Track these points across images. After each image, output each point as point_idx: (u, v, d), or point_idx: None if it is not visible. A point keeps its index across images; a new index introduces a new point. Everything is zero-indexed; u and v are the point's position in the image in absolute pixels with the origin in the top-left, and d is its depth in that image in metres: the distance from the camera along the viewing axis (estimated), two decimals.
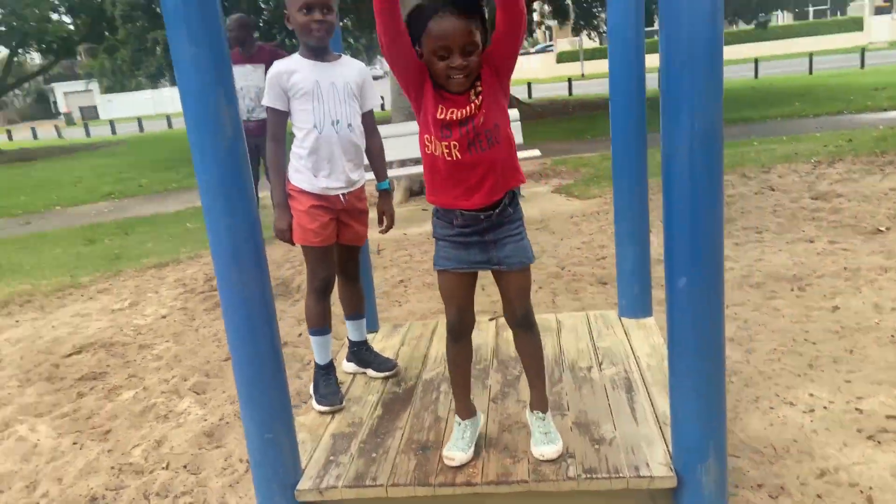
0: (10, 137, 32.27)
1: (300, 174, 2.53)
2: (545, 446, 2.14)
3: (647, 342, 2.94)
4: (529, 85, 25.73)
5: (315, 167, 2.50)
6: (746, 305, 4.05)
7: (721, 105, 1.74)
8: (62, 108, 47.29)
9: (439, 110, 1.96)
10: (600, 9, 20.97)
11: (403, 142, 7.04)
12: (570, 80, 25.16)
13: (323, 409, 2.61)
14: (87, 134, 30.05)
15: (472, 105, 1.95)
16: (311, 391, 2.72)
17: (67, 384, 4.01)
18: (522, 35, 1.91)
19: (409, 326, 3.46)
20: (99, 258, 7.09)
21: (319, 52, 2.50)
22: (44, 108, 53.37)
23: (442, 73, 1.92)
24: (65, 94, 48.56)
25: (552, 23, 30.54)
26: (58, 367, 4.30)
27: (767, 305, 4.02)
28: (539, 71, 37.61)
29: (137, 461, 3.06)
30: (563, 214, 6.71)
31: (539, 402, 2.24)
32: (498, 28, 1.89)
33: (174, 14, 1.74)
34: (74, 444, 3.29)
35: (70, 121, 41.69)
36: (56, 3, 23.39)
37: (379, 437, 2.39)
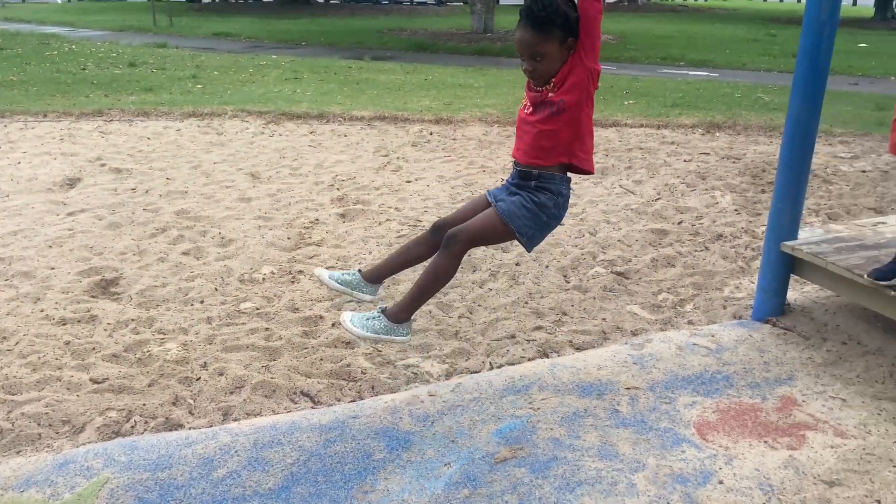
0: None
1: None
2: (348, 314, 2.44)
3: None
4: None
5: None
6: None
7: None
8: None
9: (525, 94, 2.44)
10: None
11: None
12: None
13: None
14: None
15: (546, 90, 2.32)
16: None
17: None
18: (597, 35, 2.25)
19: None
20: None
21: None
22: None
23: (521, 68, 2.39)
24: None
25: None
26: None
27: None
28: None
29: None
30: None
31: (392, 311, 2.45)
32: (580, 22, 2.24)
33: None
34: None
35: None
36: None
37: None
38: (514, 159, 2.49)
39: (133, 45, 15.68)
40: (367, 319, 2.44)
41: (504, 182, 2.57)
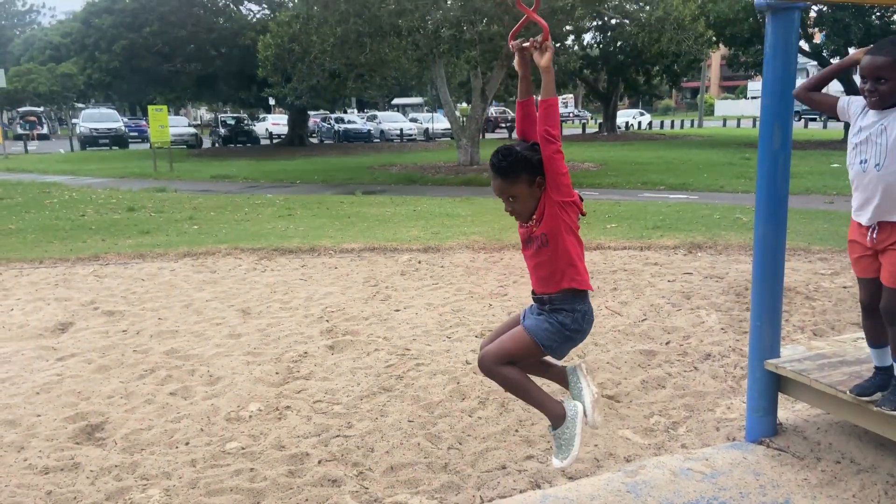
0: None
1: None
2: (556, 462, 2.66)
3: None
4: None
5: None
6: None
7: None
8: None
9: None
10: None
11: None
12: None
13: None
14: None
15: (531, 226, 2.57)
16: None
17: None
18: (559, 172, 2.48)
19: None
20: None
21: None
22: None
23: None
24: None
25: None
26: None
27: None
28: None
29: None
30: None
31: (553, 425, 2.67)
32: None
33: None
34: None
35: None
36: None
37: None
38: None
39: (133, 190, 16.22)
40: (560, 446, 2.65)
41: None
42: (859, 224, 2.80)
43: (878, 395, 2.86)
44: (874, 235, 2.72)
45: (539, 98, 2.51)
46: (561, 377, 2.87)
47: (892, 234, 2.66)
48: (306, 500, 3.14)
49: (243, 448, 3.63)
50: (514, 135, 2.75)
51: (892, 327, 2.72)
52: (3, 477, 3.36)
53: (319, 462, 3.48)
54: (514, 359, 2.63)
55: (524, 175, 2.50)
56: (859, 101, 2.77)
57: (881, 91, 2.57)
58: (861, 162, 2.70)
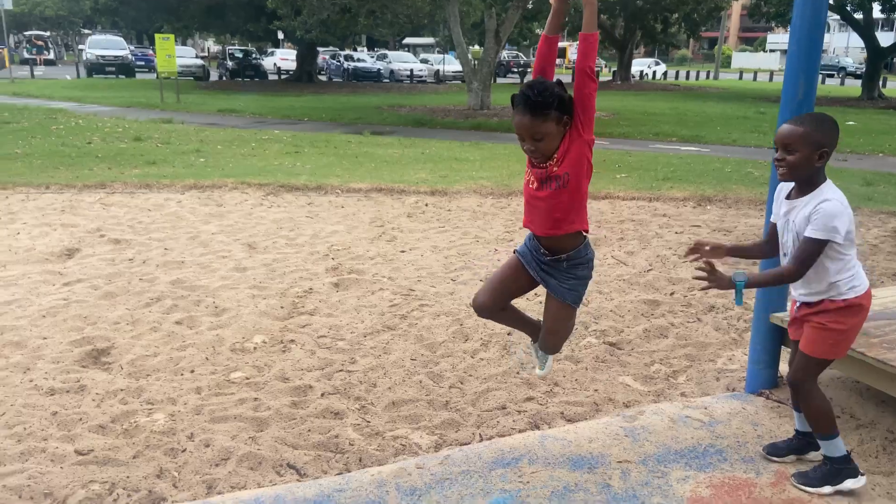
0: None
1: None
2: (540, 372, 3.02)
3: None
4: None
5: None
6: None
7: None
8: None
9: (527, 173, 2.57)
10: None
11: None
12: None
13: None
14: None
15: (550, 166, 2.46)
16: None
17: None
18: (593, 110, 2.42)
19: None
20: None
21: None
22: None
23: (522, 149, 2.52)
24: None
25: None
26: None
27: None
28: None
29: None
30: None
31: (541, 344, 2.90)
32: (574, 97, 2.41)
33: None
34: None
35: None
36: None
37: None
38: (532, 233, 2.68)
39: (140, 120, 16.06)
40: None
41: (528, 248, 2.74)
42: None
43: (790, 458, 2.83)
44: (796, 309, 2.70)
45: (581, 32, 2.42)
46: (531, 329, 2.97)
47: (812, 308, 2.60)
48: (309, 430, 3.19)
49: (248, 378, 3.68)
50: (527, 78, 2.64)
51: (798, 395, 2.65)
52: (10, 396, 3.41)
53: (322, 395, 3.52)
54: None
55: (554, 113, 2.40)
56: (776, 201, 2.69)
57: (789, 161, 2.48)
58: (783, 255, 2.65)
